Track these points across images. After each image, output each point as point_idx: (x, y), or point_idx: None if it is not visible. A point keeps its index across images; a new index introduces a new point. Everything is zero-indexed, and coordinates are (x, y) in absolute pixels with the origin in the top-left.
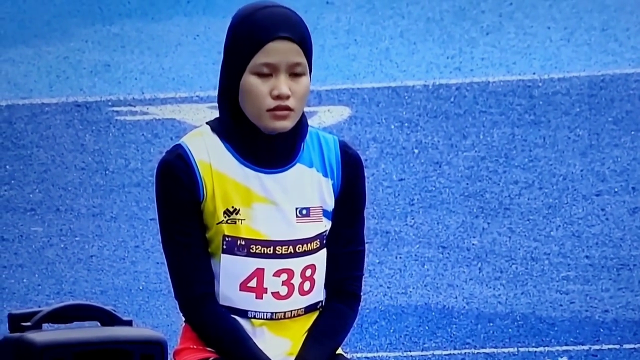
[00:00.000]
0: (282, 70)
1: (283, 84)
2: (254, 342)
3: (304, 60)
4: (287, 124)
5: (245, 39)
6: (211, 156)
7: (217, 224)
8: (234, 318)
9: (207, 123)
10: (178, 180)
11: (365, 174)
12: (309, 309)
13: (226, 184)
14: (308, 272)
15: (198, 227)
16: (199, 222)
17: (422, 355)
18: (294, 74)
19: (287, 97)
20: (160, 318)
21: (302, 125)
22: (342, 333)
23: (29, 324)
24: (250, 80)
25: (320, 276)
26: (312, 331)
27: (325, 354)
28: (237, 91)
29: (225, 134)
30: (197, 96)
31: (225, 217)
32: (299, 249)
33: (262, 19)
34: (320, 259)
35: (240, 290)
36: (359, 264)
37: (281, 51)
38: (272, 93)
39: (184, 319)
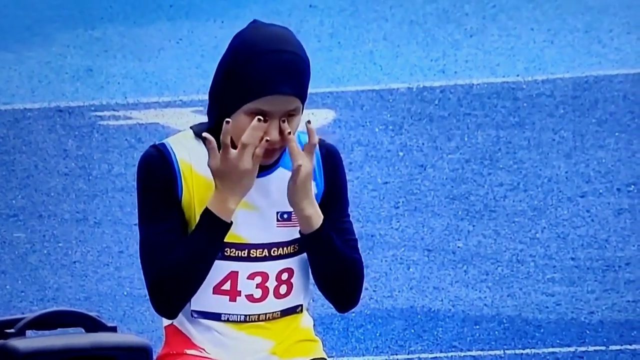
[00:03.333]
0: (277, 117)
1: (274, 130)
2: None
3: (299, 104)
4: (271, 160)
5: (245, 82)
6: (192, 158)
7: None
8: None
9: (190, 127)
10: (159, 171)
11: (350, 177)
12: (286, 313)
13: (206, 188)
14: (284, 276)
15: (176, 217)
16: (176, 212)
17: (408, 358)
18: (288, 115)
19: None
20: (145, 324)
21: None
22: (349, 260)
23: (12, 330)
24: (242, 118)
25: (299, 281)
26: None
27: (332, 241)
28: (228, 114)
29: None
30: (180, 100)
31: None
32: (274, 253)
33: (268, 67)
34: (298, 263)
35: (213, 293)
36: (351, 230)
37: (279, 103)
38: (263, 136)
39: (164, 324)
